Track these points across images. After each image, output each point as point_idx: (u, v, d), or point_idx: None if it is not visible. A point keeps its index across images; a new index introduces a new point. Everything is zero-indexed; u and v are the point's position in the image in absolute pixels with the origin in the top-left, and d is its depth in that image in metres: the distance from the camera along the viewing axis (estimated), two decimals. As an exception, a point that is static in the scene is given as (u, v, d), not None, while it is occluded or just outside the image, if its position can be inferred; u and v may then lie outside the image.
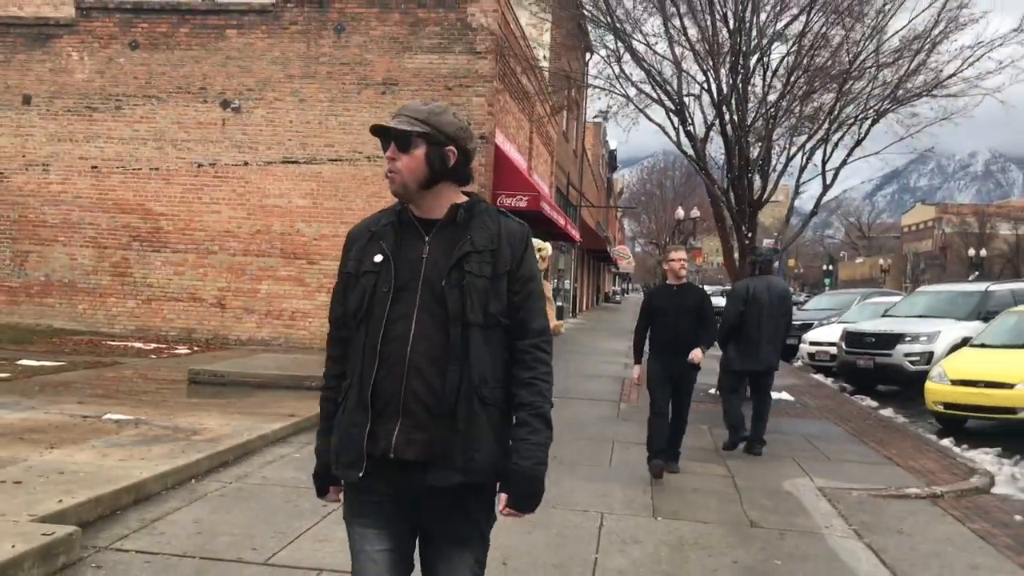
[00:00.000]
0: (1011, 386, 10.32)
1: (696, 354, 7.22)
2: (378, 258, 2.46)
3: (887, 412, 12.32)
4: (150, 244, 16.56)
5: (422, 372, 2.35)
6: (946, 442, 10.01)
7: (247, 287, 16.30)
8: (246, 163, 16.26)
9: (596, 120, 43.74)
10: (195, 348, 14.93)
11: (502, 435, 2.43)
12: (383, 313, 2.39)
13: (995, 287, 16.04)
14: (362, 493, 2.44)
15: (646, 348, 7.59)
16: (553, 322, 6.72)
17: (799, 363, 18.70)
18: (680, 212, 39.62)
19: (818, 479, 7.40)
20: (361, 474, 2.38)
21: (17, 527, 4.31)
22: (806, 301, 30.59)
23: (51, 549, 4.15)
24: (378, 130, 2.50)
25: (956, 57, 11.58)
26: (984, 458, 9.09)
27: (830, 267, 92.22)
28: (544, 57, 21.17)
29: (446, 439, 2.33)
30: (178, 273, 16.50)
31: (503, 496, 2.44)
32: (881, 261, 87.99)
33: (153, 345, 14.91)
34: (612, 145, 59.62)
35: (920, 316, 15.48)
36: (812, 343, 17.90)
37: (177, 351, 14.30)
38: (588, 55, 20.01)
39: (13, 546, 4.00)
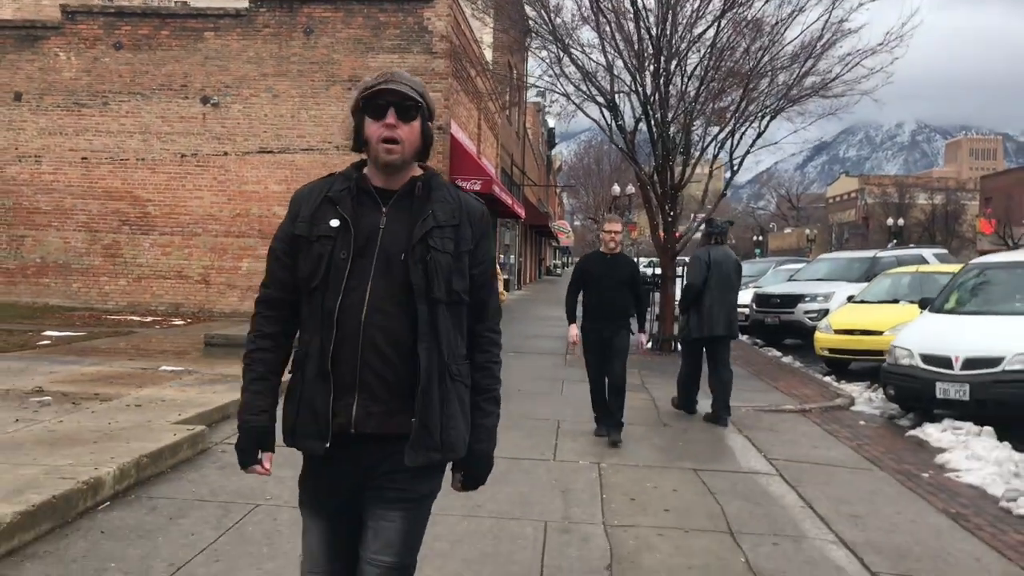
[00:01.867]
0: (880, 333, 12.75)
1: (641, 340, 7.99)
2: (335, 223, 2.38)
3: (787, 359, 14.79)
4: (139, 228, 18.26)
5: (377, 345, 2.32)
6: (828, 378, 12.46)
7: (229, 265, 18.13)
8: (225, 153, 18.03)
9: (535, 101, 45.99)
10: (188, 320, 16.76)
11: (467, 409, 2.47)
12: (341, 280, 2.34)
13: (882, 254, 18.73)
14: (321, 472, 2.42)
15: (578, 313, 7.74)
16: (502, 295, 7.74)
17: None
18: (616, 188, 41.97)
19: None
20: (328, 445, 2.34)
21: (167, 426, 6.35)
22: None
23: (195, 439, 6.20)
24: (381, 95, 2.39)
25: (838, 63, 14.00)
26: (852, 387, 11.51)
27: (760, 237, 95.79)
28: (488, 47, 23.20)
29: (425, 418, 2.33)
30: (165, 254, 18.25)
31: (458, 475, 2.54)
32: (808, 231, 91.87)
33: (149, 318, 16.69)
34: (551, 123, 61.84)
35: (819, 280, 18.00)
36: (730, 306, 20.39)
37: (173, 323, 16.13)
38: (528, 53, 22.04)
39: (174, 435, 6.05)
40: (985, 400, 8.54)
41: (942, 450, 7.64)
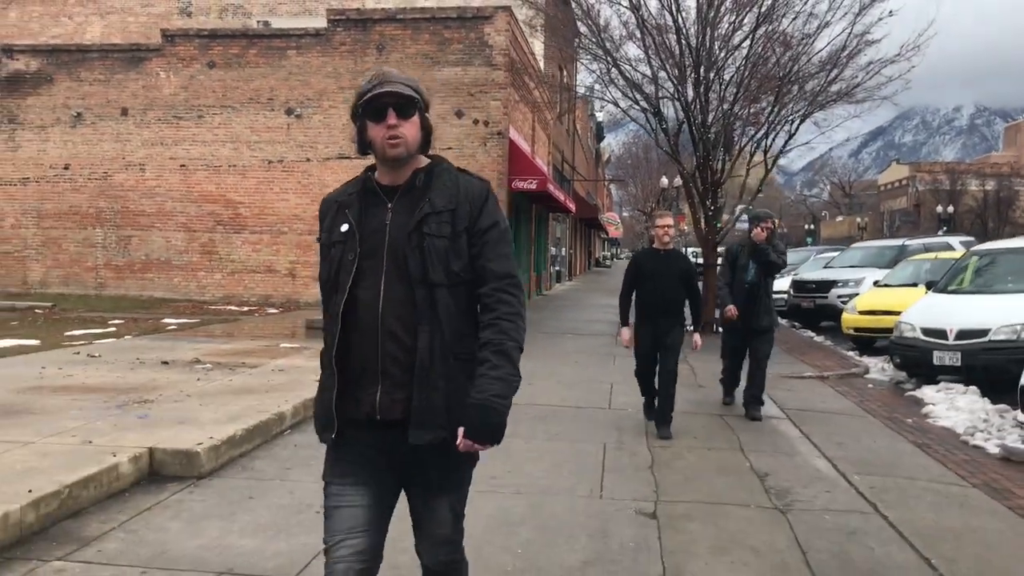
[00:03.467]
0: (899, 313, 14.26)
1: (697, 340, 7.73)
2: (344, 227, 2.52)
3: (819, 339, 16.37)
4: (232, 227, 20.43)
5: (395, 334, 2.43)
6: (851, 353, 14.03)
7: (313, 260, 20.14)
8: (308, 159, 20.09)
9: (584, 95, 47.58)
10: (280, 309, 18.85)
11: None
12: (347, 281, 2.47)
13: (910, 242, 20.18)
14: (347, 453, 2.53)
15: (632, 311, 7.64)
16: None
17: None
18: (664, 180, 43.38)
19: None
20: (334, 436, 2.50)
21: (311, 381, 8.25)
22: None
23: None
24: (379, 98, 2.50)
25: (861, 70, 15.51)
26: (871, 360, 13.09)
27: (812, 226, 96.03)
28: (541, 57, 24.94)
29: (427, 398, 2.42)
30: (256, 250, 20.39)
31: (460, 430, 2.44)
32: (858, 219, 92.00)
33: (245, 308, 18.82)
34: (599, 117, 63.27)
35: (852, 266, 19.47)
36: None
37: (268, 311, 18.22)
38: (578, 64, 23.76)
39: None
40: (974, 365, 10.09)
41: (930, 404, 9.26)
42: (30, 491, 4.50)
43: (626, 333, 7.67)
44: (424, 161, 2.61)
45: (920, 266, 16.19)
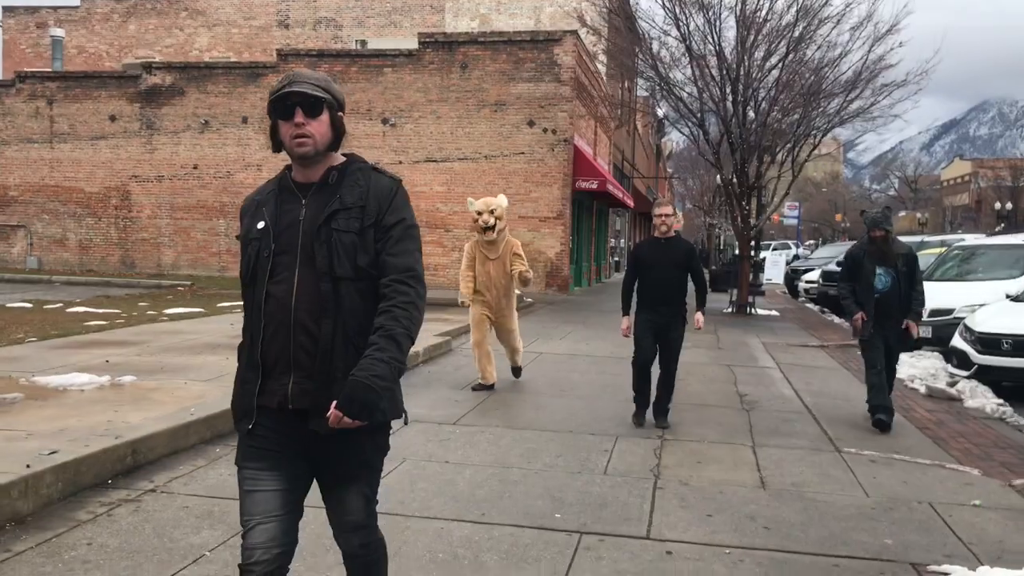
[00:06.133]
0: None
1: (699, 319, 7.56)
2: (260, 225, 2.62)
3: (837, 320, 19.01)
4: (334, 220, 23.77)
5: (305, 327, 2.54)
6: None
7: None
8: (400, 162, 23.32)
9: (644, 94, 50.26)
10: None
11: None
12: (264, 276, 2.57)
13: (929, 238, 22.59)
14: (259, 441, 2.62)
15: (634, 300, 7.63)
16: (524, 271, 8.57)
17: (802, 299, 25.45)
18: (718, 177, 45.78)
19: (763, 339, 14.30)
20: (251, 426, 2.60)
21: (431, 337, 11.40)
22: (814, 251, 37.30)
23: (445, 344, 11.27)
24: (287, 97, 2.55)
25: (877, 93, 18.14)
26: (872, 337, 15.76)
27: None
28: (603, 71, 27.88)
29: (328, 388, 2.51)
30: (354, 239, 23.70)
31: (334, 402, 2.48)
32: (918, 215, 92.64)
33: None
34: (660, 113, 65.68)
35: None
36: (805, 282, 24.68)
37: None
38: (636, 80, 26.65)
39: (439, 339, 11.12)
40: (941, 337, 12.81)
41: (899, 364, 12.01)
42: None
43: (625, 322, 7.80)
44: (339, 159, 2.69)
45: (925, 260, 18.71)
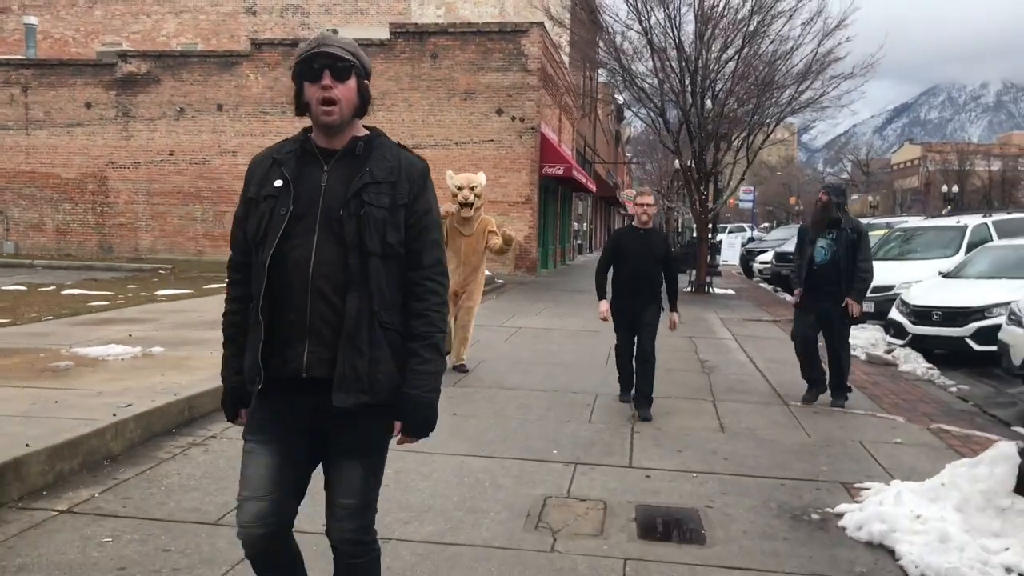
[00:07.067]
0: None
1: (674, 319, 7.69)
2: (278, 183, 2.53)
3: (790, 298, 20.26)
4: (309, 204, 24.55)
5: (325, 295, 2.47)
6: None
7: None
8: (373, 148, 24.10)
9: (604, 81, 51.47)
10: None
11: (401, 358, 2.56)
12: (276, 235, 2.48)
13: (874, 221, 24.01)
14: (266, 412, 2.58)
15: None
16: (503, 233, 8.79)
17: (756, 278, 26.79)
18: (677, 163, 47.07)
19: (720, 314, 15.48)
20: (260, 387, 2.52)
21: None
22: (768, 233, 38.89)
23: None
24: (315, 59, 2.51)
25: (826, 84, 19.39)
26: (821, 312, 17.02)
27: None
28: (567, 59, 28.87)
29: (352, 363, 2.46)
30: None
31: (397, 424, 2.58)
32: (869, 198, 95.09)
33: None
34: (620, 100, 66.91)
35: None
36: (760, 262, 26.02)
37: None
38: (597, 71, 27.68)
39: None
40: (882, 311, 14.05)
41: (842, 336, 13.22)
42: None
43: (603, 306, 7.58)
44: (363, 129, 2.65)
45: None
